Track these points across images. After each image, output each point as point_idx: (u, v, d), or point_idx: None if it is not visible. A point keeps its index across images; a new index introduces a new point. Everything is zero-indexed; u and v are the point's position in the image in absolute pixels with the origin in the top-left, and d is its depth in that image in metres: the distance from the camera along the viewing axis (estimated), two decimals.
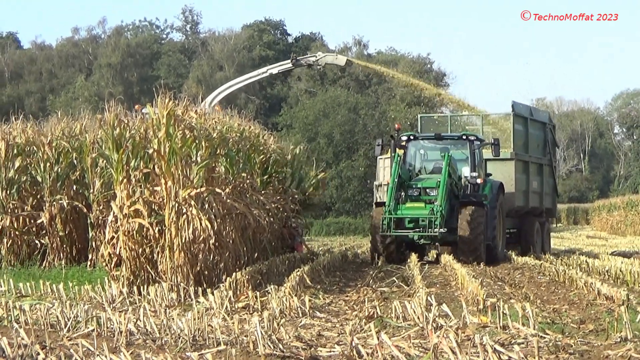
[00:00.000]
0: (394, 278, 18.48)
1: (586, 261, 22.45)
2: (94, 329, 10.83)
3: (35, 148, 22.66)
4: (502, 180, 26.78)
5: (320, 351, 9.51)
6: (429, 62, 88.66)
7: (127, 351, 8.79)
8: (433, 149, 26.57)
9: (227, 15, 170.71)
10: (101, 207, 21.08)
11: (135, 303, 14.05)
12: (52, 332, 10.96)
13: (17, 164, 22.49)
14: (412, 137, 26.30)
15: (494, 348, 8.21)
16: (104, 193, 20.78)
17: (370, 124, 69.19)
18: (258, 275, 16.78)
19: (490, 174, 26.43)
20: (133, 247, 15.78)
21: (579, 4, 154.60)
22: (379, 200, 29.31)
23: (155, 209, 15.93)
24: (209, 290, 14.09)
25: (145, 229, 15.76)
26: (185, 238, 15.52)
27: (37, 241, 22.33)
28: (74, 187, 22.42)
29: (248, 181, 19.97)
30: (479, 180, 25.41)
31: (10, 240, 22.29)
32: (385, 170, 31.08)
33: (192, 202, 15.63)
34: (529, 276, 20.10)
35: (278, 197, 23.20)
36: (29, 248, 22.36)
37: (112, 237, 16.06)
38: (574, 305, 14.03)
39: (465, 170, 25.60)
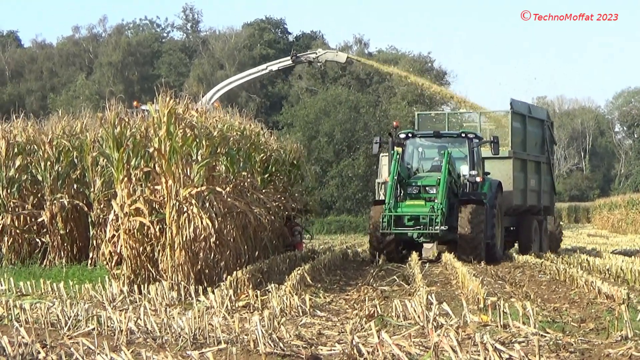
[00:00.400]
0: (395, 277, 18.49)
1: (587, 260, 22.45)
2: (94, 328, 10.84)
3: (35, 147, 22.66)
4: (500, 179, 26.67)
5: (321, 350, 9.51)
6: (429, 60, 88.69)
7: (128, 350, 8.79)
8: (431, 147, 26.46)
9: (227, 14, 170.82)
10: (102, 206, 21.08)
11: (136, 302, 14.05)
12: (53, 331, 10.96)
13: (17, 163, 22.49)
14: (410, 135, 26.20)
15: (495, 347, 8.21)
16: (105, 192, 20.77)
17: (371, 123, 69.17)
18: (259, 274, 16.78)
19: (489, 173, 26.33)
20: (134, 245, 15.79)
21: (579, 4, 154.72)
22: (382, 197, 29.23)
23: (156, 207, 15.94)
24: (209, 289, 14.10)
25: (146, 228, 15.76)
26: (186, 237, 15.53)
27: (37, 240, 22.33)
28: (75, 185, 22.43)
29: (249, 180, 19.96)
30: (478, 179, 25.36)
31: (11, 239, 22.29)
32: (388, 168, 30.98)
33: (193, 201, 15.64)
34: (529, 275, 20.10)
35: (279, 196, 23.18)
36: (29, 247, 22.36)
37: (113, 236, 16.07)
38: (574, 304, 14.04)
39: (464, 169, 25.50)
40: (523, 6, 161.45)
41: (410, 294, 15.24)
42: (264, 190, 21.58)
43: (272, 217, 21.36)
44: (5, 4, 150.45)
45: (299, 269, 17.04)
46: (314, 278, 17.33)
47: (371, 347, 8.93)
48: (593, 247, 36.37)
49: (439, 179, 23.83)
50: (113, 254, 16.04)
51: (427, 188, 24.25)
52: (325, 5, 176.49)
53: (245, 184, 19.63)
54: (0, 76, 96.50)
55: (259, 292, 13.94)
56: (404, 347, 8.81)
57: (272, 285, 14.77)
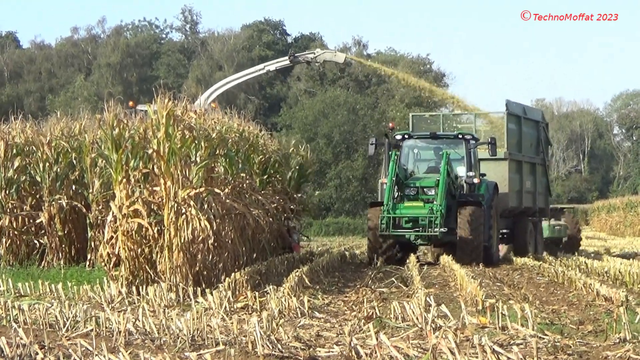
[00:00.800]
0: (393, 279, 18.48)
1: (585, 262, 22.46)
2: (92, 329, 10.83)
3: (34, 148, 22.65)
4: (495, 181, 26.56)
5: (319, 351, 9.51)
6: (428, 62, 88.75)
7: (126, 351, 8.78)
8: (426, 148, 26.36)
9: (226, 15, 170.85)
10: (100, 207, 21.05)
11: (134, 303, 14.05)
12: (51, 332, 10.96)
13: (16, 164, 22.48)
14: (406, 136, 26.10)
15: (493, 349, 8.20)
16: (103, 193, 20.76)
17: (369, 125, 69.18)
18: (257, 276, 16.78)
19: (484, 174, 26.22)
20: (132, 247, 15.78)
21: (579, 4, 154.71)
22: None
23: (155, 209, 15.94)
24: (207, 290, 14.09)
25: (144, 229, 15.76)
26: (184, 238, 15.52)
27: (36, 241, 22.32)
28: (73, 187, 22.41)
29: (247, 181, 19.96)
30: (475, 180, 25.25)
31: (10, 240, 22.28)
32: None
33: (191, 203, 15.63)
34: (528, 277, 20.10)
35: (277, 197, 23.17)
36: (27, 248, 22.35)
37: (111, 237, 16.06)
38: (573, 306, 14.04)
39: (461, 170, 25.42)
40: (523, 6, 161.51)
41: (409, 295, 15.24)
42: (262, 192, 21.58)
43: (271, 219, 21.35)
44: (4, 5, 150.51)
45: (297, 271, 17.04)
46: (312, 280, 17.33)
47: (369, 348, 8.93)
48: (595, 250, 36.41)
49: (438, 180, 23.71)
50: (111, 255, 16.05)
51: (425, 189, 24.12)
52: (324, 6, 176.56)
53: (244, 185, 19.62)
54: None
55: (257, 293, 13.93)
56: (402, 349, 8.80)
57: (271, 286, 14.77)
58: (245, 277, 15.47)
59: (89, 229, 21.62)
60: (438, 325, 10.68)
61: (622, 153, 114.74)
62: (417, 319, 11.39)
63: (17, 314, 12.04)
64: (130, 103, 25.93)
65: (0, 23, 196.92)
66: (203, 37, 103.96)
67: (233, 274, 15.34)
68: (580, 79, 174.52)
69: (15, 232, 22.33)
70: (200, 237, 15.69)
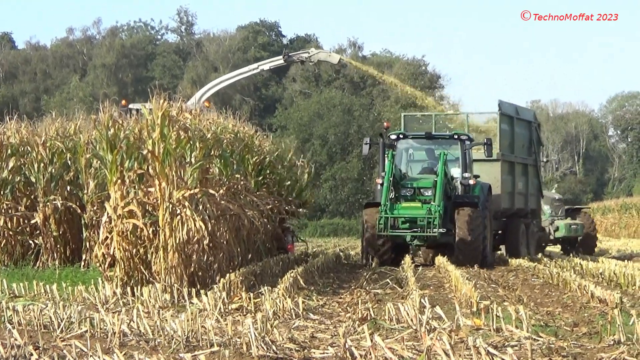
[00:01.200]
0: (388, 280, 18.47)
1: (580, 264, 22.47)
2: (87, 330, 10.82)
3: (29, 148, 22.62)
4: (488, 182, 26.42)
5: (314, 353, 9.51)
6: (423, 64, 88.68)
7: (121, 352, 8.78)
8: (419, 148, 26.22)
9: (222, 17, 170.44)
10: (95, 208, 21.00)
11: (129, 304, 14.03)
12: (45, 333, 10.95)
13: (11, 164, 22.44)
14: (401, 136, 25.98)
15: (487, 350, 8.21)
16: (98, 194, 20.70)
17: (364, 126, 69.21)
18: (252, 277, 16.77)
19: (478, 176, 26.09)
20: (127, 247, 15.77)
21: (579, 4, 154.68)
22: None
23: (149, 209, 15.93)
24: (202, 291, 14.09)
25: (139, 230, 15.75)
26: (179, 239, 15.52)
27: (30, 241, 22.27)
28: (68, 187, 22.37)
29: (242, 182, 19.95)
30: (471, 181, 25.14)
31: (4, 241, 22.24)
32: None
33: (186, 203, 15.63)
34: (522, 278, 20.10)
35: (272, 199, 23.15)
36: (22, 248, 22.31)
37: (106, 238, 16.05)
38: (567, 308, 14.04)
39: (456, 171, 25.30)
40: (523, 6, 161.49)
41: (403, 297, 15.23)
42: (257, 193, 21.57)
43: (266, 220, 21.34)
44: None
45: (292, 272, 17.03)
46: (307, 281, 17.32)
47: (364, 350, 8.93)
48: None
49: (435, 181, 23.60)
50: (106, 256, 16.03)
51: (422, 190, 23.93)
52: (320, 8, 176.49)
53: (239, 186, 19.62)
54: None
55: (252, 294, 13.93)
56: (397, 350, 8.81)
57: (265, 287, 14.76)
58: (240, 278, 15.46)
59: (83, 229, 21.60)
60: (433, 327, 10.68)
61: (617, 155, 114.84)
62: (411, 320, 11.39)
63: (11, 315, 12.03)
64: (123, 102, 25.91)
65: None
66: (198, 38, 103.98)
67: (228, 275, 15.32)
68: (580, 79, 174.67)
69: (10, 233, 22.30)
70: (195, 238, 15.69)
